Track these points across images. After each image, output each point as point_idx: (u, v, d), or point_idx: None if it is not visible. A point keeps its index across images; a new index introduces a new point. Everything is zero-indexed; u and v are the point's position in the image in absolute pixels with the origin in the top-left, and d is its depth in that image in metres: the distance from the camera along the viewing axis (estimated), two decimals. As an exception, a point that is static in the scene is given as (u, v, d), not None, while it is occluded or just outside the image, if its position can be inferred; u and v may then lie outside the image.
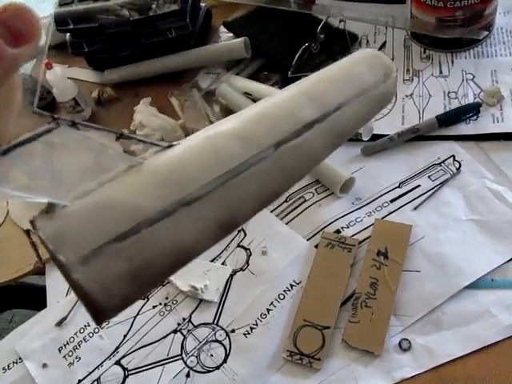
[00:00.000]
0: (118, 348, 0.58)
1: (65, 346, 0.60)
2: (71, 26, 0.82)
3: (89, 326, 0.61)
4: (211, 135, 0.24)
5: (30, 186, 0.20)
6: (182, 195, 0.21)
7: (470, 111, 0.66)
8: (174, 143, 0.25)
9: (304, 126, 0.25)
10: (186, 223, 0.21)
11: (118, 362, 0.57)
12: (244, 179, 0.23)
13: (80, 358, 0.58)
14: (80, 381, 0.57)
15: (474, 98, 0.68)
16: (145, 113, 0.77)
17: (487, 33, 0.72)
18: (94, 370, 0.57)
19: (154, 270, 0.21)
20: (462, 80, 0.70)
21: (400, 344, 0.51)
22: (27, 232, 0.71)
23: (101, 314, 0.20)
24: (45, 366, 0.59)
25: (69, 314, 0.62)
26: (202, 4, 0.91)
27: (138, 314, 0.60)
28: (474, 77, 0.70)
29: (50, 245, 0.19)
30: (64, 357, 0.59)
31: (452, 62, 0.73)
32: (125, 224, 0.19)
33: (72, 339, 0.60)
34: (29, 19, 0.21)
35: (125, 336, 0.59)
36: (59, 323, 0.61)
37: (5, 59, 0.21)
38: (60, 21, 0.82)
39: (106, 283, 0.19)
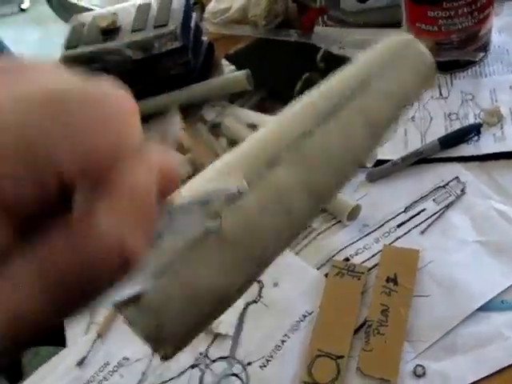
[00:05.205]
0: (137, 385, 0.59)
1: (86, 385, 0.61)
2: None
3: (108, 364, 0.62)
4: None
5: None
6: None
7: (471, 132, 0.67)
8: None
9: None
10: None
11: (138, 400, 0.58)
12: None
13: (101, 397, 0.60)
14: (102, 420, 0.58)
15: (475, 118, 0.69)
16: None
17: (483, 54, 0.73)
18: (116, 408, 0.59)
19: None
20: (462, 101, 0.71)
21: (414, 370, 0.52)
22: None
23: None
24: (68, 406, 0.60)
25: (89, 352, 0.63)
26: (204, 38, 0.93)
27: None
28: (473, 97, 0.71)
29: (150, 343, 0.23)
30: (86, 396, 0.60)
31: (451, 84, 0.74)
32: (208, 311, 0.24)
33: (93, 378, 0.61)
34: (174, 183, 0.21)
35: (143, 373, 0.60)
36: (80, 363, 0.63)
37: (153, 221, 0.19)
38: (67, 64, 0.85)
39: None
